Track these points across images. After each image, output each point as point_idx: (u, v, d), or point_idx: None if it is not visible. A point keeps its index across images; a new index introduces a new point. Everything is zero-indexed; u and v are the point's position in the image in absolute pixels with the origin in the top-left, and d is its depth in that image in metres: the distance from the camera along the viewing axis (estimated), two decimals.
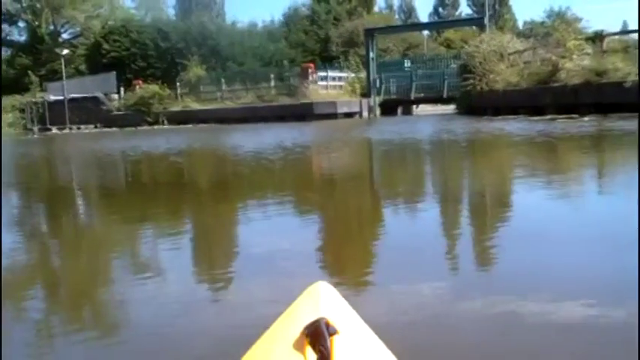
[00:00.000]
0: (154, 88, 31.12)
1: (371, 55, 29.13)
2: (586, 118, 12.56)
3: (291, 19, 45.86)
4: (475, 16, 50.01)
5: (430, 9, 70.11)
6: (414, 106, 32.03)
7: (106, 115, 31.78)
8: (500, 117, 16.34)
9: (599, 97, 14.39)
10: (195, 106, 30.83)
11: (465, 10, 58.86)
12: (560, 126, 11.34)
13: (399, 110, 30.82)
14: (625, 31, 21.50)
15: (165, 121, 29.20)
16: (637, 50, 16.05)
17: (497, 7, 49.25)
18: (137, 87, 32.12)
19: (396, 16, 58.60)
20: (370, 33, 30.30)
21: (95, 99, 32.80)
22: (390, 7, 59.82)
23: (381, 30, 35.20)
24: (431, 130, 14.22)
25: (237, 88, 31.80)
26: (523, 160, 6.87)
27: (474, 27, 39.76)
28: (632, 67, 14.32)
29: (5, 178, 7.16)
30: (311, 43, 43.90)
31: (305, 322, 0.79)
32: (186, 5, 45.86)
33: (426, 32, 47.54)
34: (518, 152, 7.80)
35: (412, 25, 50.29)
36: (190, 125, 26.83)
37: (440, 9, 59.03)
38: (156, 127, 27.99)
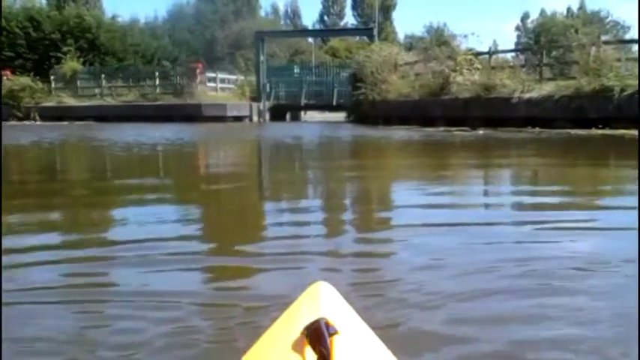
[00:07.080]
0: (25, 80, 28.77)
1: (261, 58, 28.81)
2: (481, 132, 13.04)
3: (175, 16, 44.50)
4: (360, 26, 51.50)
5: (316, 17, 71.15)
6: (303, 113, 32.17)
7: None
8: (394, 126, 16.64)
9: (488, 111, 15.12)
10: (72, 101, 28.84)
11: (350, 19, 60.43)
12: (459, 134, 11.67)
13: (288, 116, 30.80)
14: (514, 50, 22.98)
15: (38, 117, 27.07)
16: (521, 69, 17.10)
17: (380, 19, 50.94)
18: (5, 78, 29.42)
19: (282, 22, 58.98)
20: (260, 36, 29.98)
21: None
22: (275, 11, 60.12)
23: (272, 34, 35.02)
24: (329, 135, 14.13)
25: (118, 84, 30.22)
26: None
27: (358, 37, 40.87)
28: (517, 84, 15.17)
29: None
30: (196, 43, 42.90)
31: (305, 322, 0.76)
32: None
33: (311, 39, 48.15)
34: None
35: (304, 30, 50.69)
36: (66, 122, 24.97)
37: (325, 17, 60.11)
38: (27, 122, 25.81)
